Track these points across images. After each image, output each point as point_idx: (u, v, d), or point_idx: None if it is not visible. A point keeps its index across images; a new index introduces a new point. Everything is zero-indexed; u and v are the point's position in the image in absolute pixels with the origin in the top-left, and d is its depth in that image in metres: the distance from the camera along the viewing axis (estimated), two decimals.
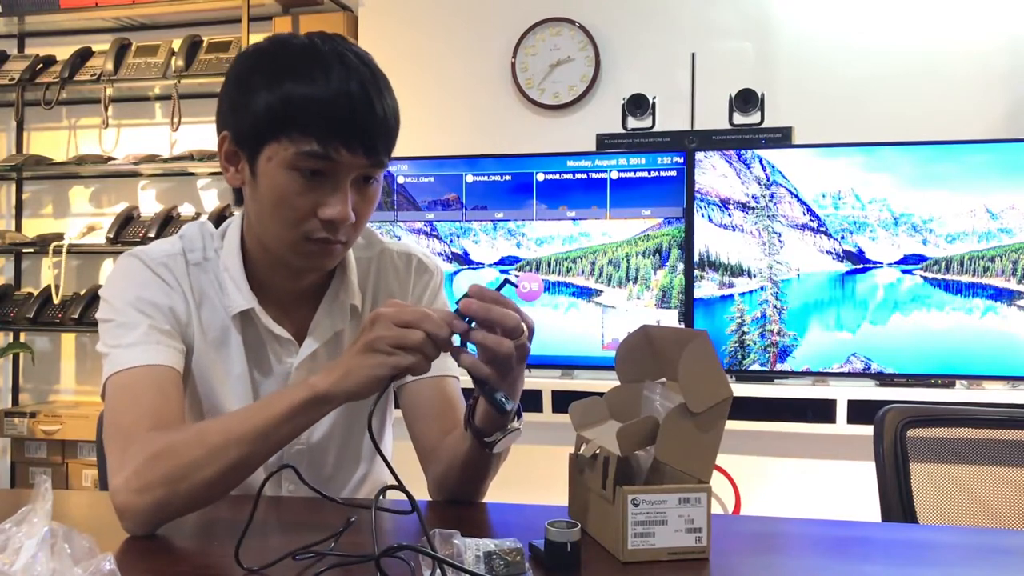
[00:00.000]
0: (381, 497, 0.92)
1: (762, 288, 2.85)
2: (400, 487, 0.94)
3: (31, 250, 3.81)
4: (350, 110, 1.08)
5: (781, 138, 2.95)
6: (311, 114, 1.07)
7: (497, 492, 1.25)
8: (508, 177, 3.05)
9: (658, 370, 1.07)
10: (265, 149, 1.10)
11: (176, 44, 3.68)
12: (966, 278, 2.69)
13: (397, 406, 1.31)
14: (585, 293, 2.99)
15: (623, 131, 3.13)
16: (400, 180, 3.12)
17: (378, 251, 1.32)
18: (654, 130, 3.10)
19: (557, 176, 3.02)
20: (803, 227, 2.82)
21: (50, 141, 4.06)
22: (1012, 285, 2.66)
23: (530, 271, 3.03)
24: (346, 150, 1.08)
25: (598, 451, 0.98)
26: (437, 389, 1.28)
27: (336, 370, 1.00)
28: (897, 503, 1.41)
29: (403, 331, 0.96)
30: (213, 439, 1.03)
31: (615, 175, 2.98)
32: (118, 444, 1.07)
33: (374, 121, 1.10)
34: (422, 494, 0.93)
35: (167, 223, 3.58)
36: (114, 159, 3.80)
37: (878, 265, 2.76)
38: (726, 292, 2.88)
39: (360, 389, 0.99)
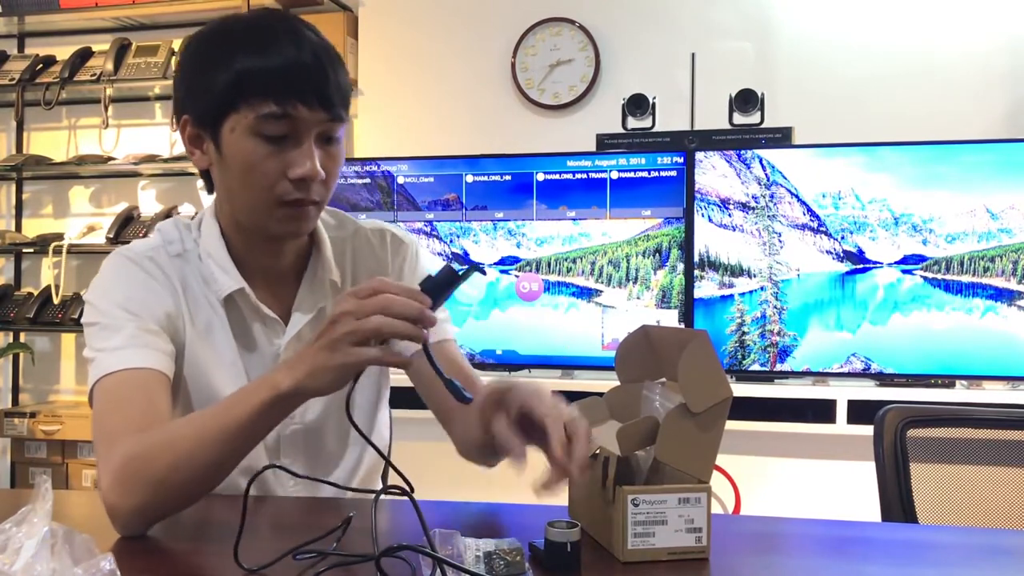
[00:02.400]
0: (382, 496, 0.92)
1: (762, 288, 2.85)
2: (403, 481, 0.94)
3: (31, 250, 3.81)
4: (303, 70, 1.11)
5: (781, 138, 2.95)
6: (266, 79, 1.10)
7: (497, 492, 1.25)
8: (508, 177, 3.05)
9: (658, 370, 1.07)
10: (226, 122, 1.13)
11: (176, 44, 3.67)
12: (966, 278, 2.69)
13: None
14: (585, 293, 2.99)
15: (623, 131, 3.13)
16: (400, 180, 3.12)
17: (352, 231, 1.34)
18: (654, 130, 3.10)
19: (557, 176, 3.02)
20: (803, 227, 2.82)
21: (50, 141, 4.05)
22: (1012, 285, 2.66)
23: (530, 271, 3.03)
24: (304, 106, 1.11)
25: (598, 451, 0.98)
26: (439, 355, 1.29)
27: (299, 366, 0.97)
28: (897, 503, 1.41)
29: (362, 324, 0.93)
30: (183, 444, 1.01)
31: (615, 175, 2.98)
32: (104, 448, 1.07)
33: (326, 77, 1.13)
34: (422, 494, 0.93)
35: None
36: (114, 159, 3.80)
37: (878, 265, 2.76)
38: (726, 292, 2.88)
39: (326, 387, 0.98)
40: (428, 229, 3.09)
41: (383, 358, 0.96)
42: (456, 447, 1.31)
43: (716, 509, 1.23)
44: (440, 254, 3.05)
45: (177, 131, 1.22)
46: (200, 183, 4.14)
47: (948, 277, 2.71)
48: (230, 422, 1.00)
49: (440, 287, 0.97)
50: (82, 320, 1.20)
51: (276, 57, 1.11)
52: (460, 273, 0.97)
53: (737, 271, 2.87)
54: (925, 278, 2.73)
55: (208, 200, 1.29)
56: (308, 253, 1.28)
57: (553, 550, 0.90)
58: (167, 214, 3.61)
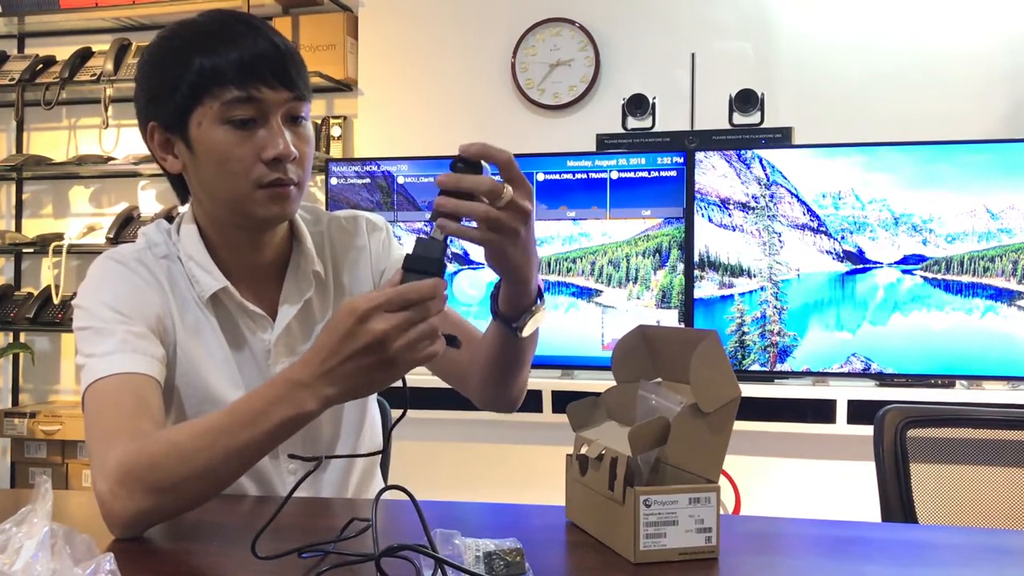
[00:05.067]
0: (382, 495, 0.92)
1: (762, 288, 2.85)
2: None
3: (31, 250, 3.81)
4: (260, 54, 1.14)
5: (781, 138, 2.95)
6: (226, 68, 1.13)
7: (497, 492, 1.26)
8: None
9: (654, 370, 1.07)
10: (192, 117, 1.15)
11: None
12: (966, 278, 2.69)
13: None
14: (585, 293, 2.99)
15: (623, 131, 3.13)
16: (400, 180, 3.12)
17: (326, 223, 1.36)
18: (654, 130, 3.10)
19: (557, 176, 3.02)
20: (803, 227, 2.82)
21: (50, 141, 4.06)
22: (1012, 285, 2.66)
23: None
24: (266, 87, 1.14)
25: (603, 451, 0.98)
26: (443, 319, 1.30)
27: (329, 386, 0.96)
28: (897, 503, 1.41)
29: (421, 331, 0.95)
30: (196, 457, 1.00)
31: (615, 175, 2.98)
32: (100, 451, 1.06)
33: (282, 57, 1.16)
34: (422, 494, 0.93)
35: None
36: (114, 159, 3.81)
37: (878, 265, 2.76)
38: (726, 292, 2.88)
39: (365, 395, 1.00)
40: (428, 229, 3.09)
41: (439, 350, 0.98)
42: (476, 401, 1.33)
43: None
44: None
45: (146, 141, 1.23)
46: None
47: (948, 277, 2.71)
48: (247, 440, 0.99)
49: (424, 259, 0.99)
50: (73, 325, 1.20)
51: (232, 49, 1.13)
52: (437, 239, 1.01)
53: (737, 271, 2.87)
54: (925, 278, 2.73)
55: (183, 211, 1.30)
56: (288, 248, 1.29)
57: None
58: (167, 214, 3.61)
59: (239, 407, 1.01)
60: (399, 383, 1.00)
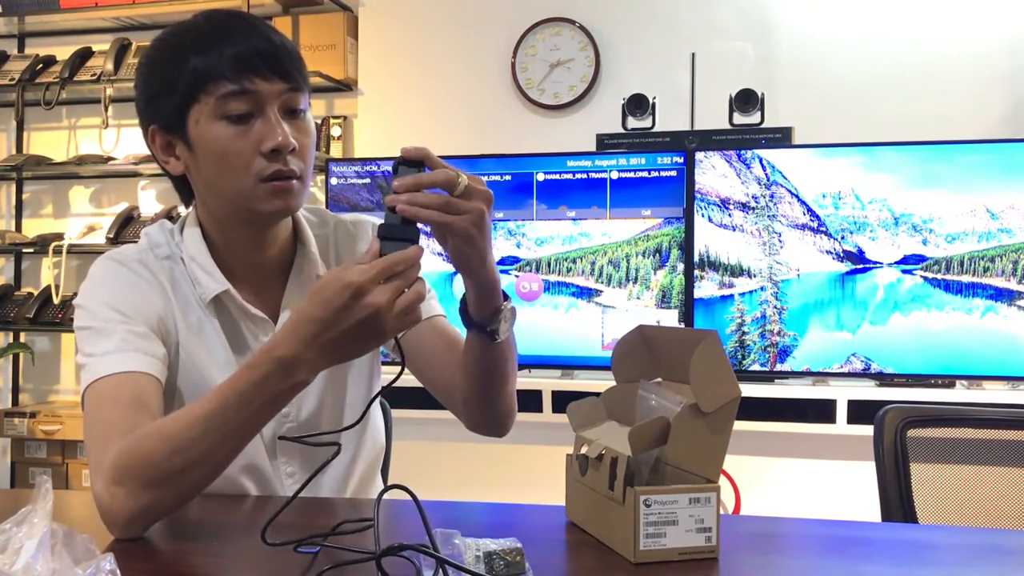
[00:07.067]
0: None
1: (762, 288, 2.85)
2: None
3: (31, 250, 3.81)
4: (254, 49, 1.14)
5: (781, 138, 2.95)
6: (219, 64, 1.13)
7: (497, 492, 1.26)
8: (508, 177, 3.05)
9: (654, 370, 1.07)
10: (190, 116, 1.15)
11: None
12: (966, 278, 2.69)
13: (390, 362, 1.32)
14: (585, 293, 2.99)
15: (623, 131, 3.13)
16: None
17: (332, 225, 1.35)
18: (654, 130, 3.10)
19: (557, 176, 3.02)
20: (803, 227, 2.82)
21: (50, 141, 4.06)
22: (1012, 285, 2.66)
23: (530, 271, 3.03)
24: (260, 79, 1.14)
25: (603, 451, 0.98)
26: (433, 331, 1.31)
27: (325, 356, 0.98)
28: (897, 503, 1.41)
29: (406, 299, 0.97)
30: (192, 450, 0.99)
31: (615, 175, 2.98)
32: (97, 451, 1.05)
33: (276, 50, 1.16)
34: (423, 494, 0.93)
35: None
36: (114, 159, 3.81)
37: (878, 265, 2.76)
38: (726, 292, 2.88)
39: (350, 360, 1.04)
40: (428, 229, 3.09)
41: (421, 316, 1.02)
42: (464, 422, 1.31)
43: None
44: (440, 254, 3.05)
45: (148, 145, 1.23)
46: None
47: (948, 277, 2.71)
48: (240, 423, 0.99)
49: (400, 227, 1.00)
50: (74, 325, 1.20)
51: (227, 46, 1.13)
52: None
53: (737, 271, 2.87)
54: (925, 278, 2.73)
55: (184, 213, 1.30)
56: (292, 249, 1.29)
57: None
58: (167, 214, 3.61)
59: (227, 392, 1.00)
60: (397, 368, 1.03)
